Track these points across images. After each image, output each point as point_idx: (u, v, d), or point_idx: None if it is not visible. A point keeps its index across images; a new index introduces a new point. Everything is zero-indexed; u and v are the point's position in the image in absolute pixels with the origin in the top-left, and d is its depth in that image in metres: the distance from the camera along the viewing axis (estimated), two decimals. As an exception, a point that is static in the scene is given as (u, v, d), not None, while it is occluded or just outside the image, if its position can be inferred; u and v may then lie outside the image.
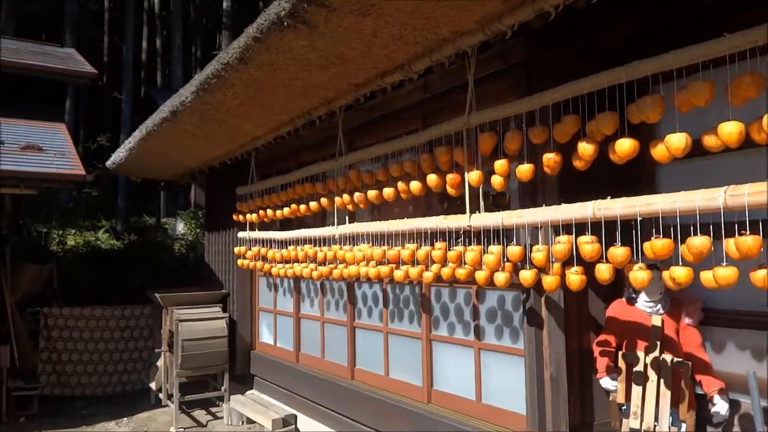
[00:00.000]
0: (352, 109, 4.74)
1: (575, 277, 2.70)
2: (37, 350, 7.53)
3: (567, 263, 2.83)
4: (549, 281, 2.82)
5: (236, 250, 6.49)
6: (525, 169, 2.97)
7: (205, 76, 4.09)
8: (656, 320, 3.20)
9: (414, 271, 3.71)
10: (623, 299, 3.39)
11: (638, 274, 2.49)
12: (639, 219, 2.44)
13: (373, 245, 4.27)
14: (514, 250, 3.00)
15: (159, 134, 5.69)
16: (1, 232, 6.95)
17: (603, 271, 2.52)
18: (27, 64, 7.52)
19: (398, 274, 3.85)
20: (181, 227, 14.57)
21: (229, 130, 5.36)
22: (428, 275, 3.62)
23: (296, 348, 6.11)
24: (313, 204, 4.99)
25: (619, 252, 2.47)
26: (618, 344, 3.40)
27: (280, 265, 5.59)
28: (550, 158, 2.83)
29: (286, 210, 5.46)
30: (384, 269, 4.00)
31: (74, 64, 8.51)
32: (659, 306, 3.27)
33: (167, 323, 6.94)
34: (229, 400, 6.68)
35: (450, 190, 3.49)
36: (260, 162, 6.43)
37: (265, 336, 6.85)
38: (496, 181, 3.17)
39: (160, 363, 7.19)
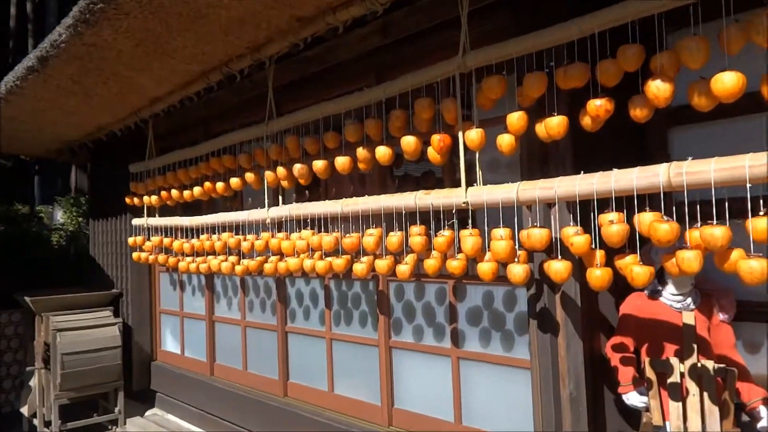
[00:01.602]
0: (284, 61, 3.76)
1: (640, 271, 1.94)
2: None
3: (617, 251, 2.08)
4: (598, 276, 2.05)
5: (131, 240, 5.27)
6: (556, 124, 2.17)
7: (88, 2, 2.95)
8: (688, 317, 2.56)
9: (382, 264, 2.83)
10: (642, 293, 2.71)
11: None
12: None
13: (318, 232, 3.35)
14: (539, 234, 2.20)
15: (24, 93, 4.37)
16: None
17: (690, 261, 1.78)
18: None
19: (359, 268, 2.96)
20: (59, 215, 12.72)
21: (120, 86, 4.17)
22: (403, 269, 2.76)
23: (210, 358, 5.04)
24: (234, 181, 3.96)
25: (718, 233, 1.73)
26: (636, 348, 2.73)
27: (189, 259, 4.50)
28: (599, 106, 2.05)
29: (196, 190, 4.38)
30: (338, 262, 3.08)
31: None
32: (689, 300, 2.62)
33: (41, 333, 5.60)
34: (125, 424, 5.48)
35: (434, 157, 2.64)
36: (159, 133, 5.24)
37: (170, 344, 5.69)
38: (505, 142, 2.36)
39: (33, 383, 5.83)
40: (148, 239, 5.12)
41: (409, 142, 2.69)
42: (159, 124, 5.16)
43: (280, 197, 3.72)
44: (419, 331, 3.36)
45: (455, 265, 2.49)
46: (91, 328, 5.36)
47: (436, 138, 2.56)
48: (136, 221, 5.37)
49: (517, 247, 2.33)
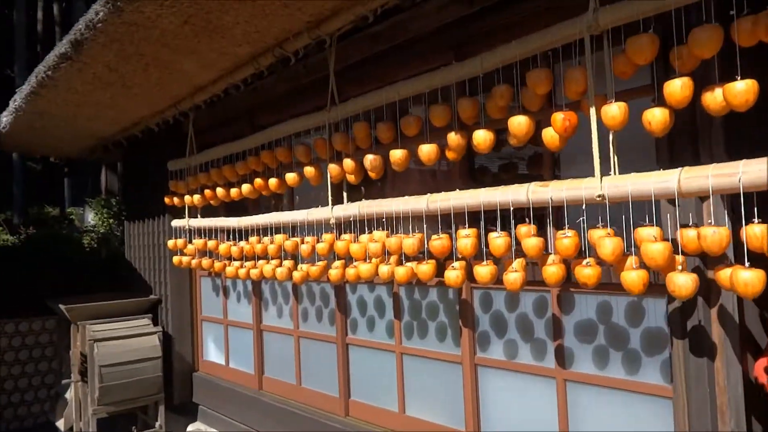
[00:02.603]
0: (345, 40, 3.31)
1: None
2: None
3: None
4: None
5: (170, 243, 4.89)
6: (743, 90, 1.67)
7: (129, -31, 2.53)
8: None
9: (484, 272, 2.36)
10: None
11: None
12: None
13: (392, 233, 2.89)
14: (717, 235, 1.71)
15: (57, 84, 3.99)
16: None
17: None
18: None
19: (452, 276, 2.49)
20: (90, 217, 12.49)
21: (161, 73, 3.77)
22: (513, 277, 2.28)
23: (258, 370, 4.62)
24: (290, 176, 3.52)
25: None
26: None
27: (237, 263, 4.08)
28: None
29: (245, 187, 3.95)
30: (424, 268, 2.62)
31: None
32: None
33: (77, 343, 5.25)
34: (167, 440, 5.12)
35: (551, 141, 2.16)
36: (199, 127, 4.84)
37: (213, 354, 5.30)
38: (657, 119, 1.87)
39: (69, 395, 5.49)
40: (190, 242, 4.72)
41: (520, 123, 2.21)
42: (199, 117, 4.76)
43: (345, 194, 3.27)
44: (512, 347, 2.89)
45: (588, 273, 2.01)
46: (130, 338, 5.00)
47: (558, 117, 2.08)
48: (176, 222, 4.98)
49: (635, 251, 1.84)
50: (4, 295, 8.05)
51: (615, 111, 1.92)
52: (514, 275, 2.26)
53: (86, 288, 8.02)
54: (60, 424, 5.68)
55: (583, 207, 2.08)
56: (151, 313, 5.51)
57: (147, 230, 5.99)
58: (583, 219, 2.09)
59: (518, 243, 2.37)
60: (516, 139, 2.27)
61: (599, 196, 1.98)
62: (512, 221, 2.34)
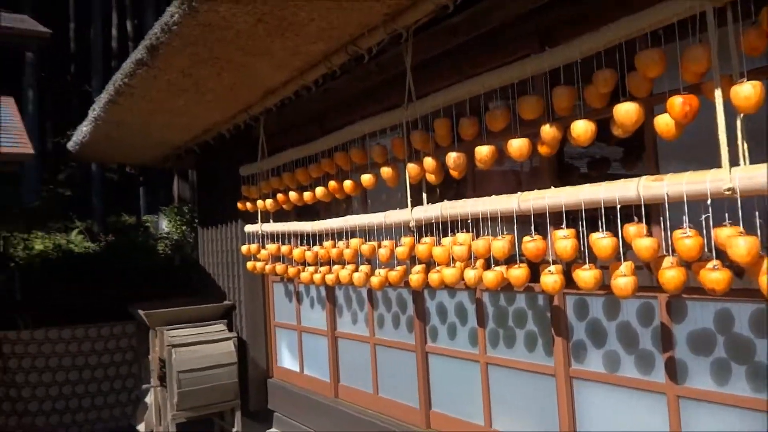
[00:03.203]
0: (421, 34, 3.15)
1: None
2: (-11, 387, 5.90)
3: None
4: None
5: (244, 249, 4.87)
6: None
7: (204, -32, 2.47)
8: None
9: (587, 276, 2.13)
10: None
11: None
12: None
13: (478, 235, 2.71)
14: None
15: (133, 92, 4.03)
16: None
17: None
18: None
19: (550, 281, 2.27)
20: (164, 224, 12.88)
21: (234, 77, 3.73)
22: (623, 282, 2.05)
23: (334, 378, 4.52)
24: (366, 178, 3.39)
25: None
26: None
27: (311, 268, 3.99)
28: None
29: (319, 190, 3.86)
30: (516, 273, 2.42)
31: (23, 25, 6.80)
32: None
33: (156, 348, 5.32)
34: (243, 446, 5.11)
35: (666, 129, 1.92)
36: (270, 132, 4.81)
37: (287, 360, 5.25)
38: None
39: (149, 399, 5.58)
40: (263, 247, 4.69)
41: (628, 110, 1.99)
42: (270, 121, 4.73)
43: (424, 195, 3.11)
44: (613, 358, 2.64)
45: (716, 278, 1.76)
46: (206, 344, 5.03)
47: (677, 101, 1.84)
48: (248, 228, 4.96)
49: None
50: (86, 300, 8.38)
51: (749, 91, 1.67)
52: (624, 280, 2.03)
53: (161, 293, 8.23)
54: (141, 427, 5.78)
55: (708, 203, 1.83)
56: (226, 318, 5.53)
57: (220, 236, 6.03)
58: (707, 216, 1.84)
59: (624, 244, 2.14)
60: (622, 128, 2.04)
61: (728, 189, 1.74)
62: (617, 220, 2.10)
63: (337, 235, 3.87)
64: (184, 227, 11.83)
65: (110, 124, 4.78)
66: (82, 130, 5.25)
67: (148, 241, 12.25)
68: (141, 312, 5.28)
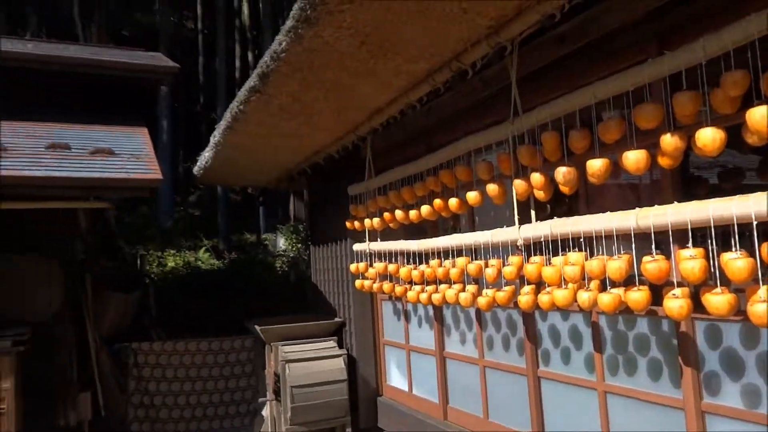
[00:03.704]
0: (525, 46, 3.04)
1: None
2: (126, 393, 6.40)
3: None
4: None
5: (352, 267, 4.94)
6: None
7: (308, -5, 2.54)
8: None
9: (720, 302, 1.91)
10: None
11: None
12: None
13: (591, 254, 2.53)
14: None
15: (248, 118, 4.25)
16: (79, 256, 5.85)
17: None
18: (100, 61, 6.47)
19: (675, 306, 2.06)
20: (281, 243, 13.47)
21: (340, 100, 3.82)
22: (762, 309, 1.81)
23: (443, 399, 4.43)
24: (471, 195, 3.31)
25: None
26: None
27: (418, 288, 3.96)
28: None
29: (424, 209, 3.83)
30: (635, 296, 2.23)
31: (156, 61, 7.43)
32: None
33: (271, 363, 5.52)
34: (353, 464, 5.14)
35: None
36: (376, 151, 4.87)
37: (396, 379, 5.23)
38: None
39: (265, 412, 5.79)
40: (371, 265, 4.72)
41: (764, 115, 1.77)
42: (376, 140, 4.79)
43: (532, 212, 2.98)
44: (753, 393, 2.34)
45: None
46: (318, 360, 5.13)
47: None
48: (357, 246, 5.03)
49: None
50: (211, 314, 8.92)
51: None
52: (762, 307, 1.79)
53: (277, 309, 8.57)
54: (258, 439, 6.02)
55: None
56: (336, 335, 5.62)
57: (330, 254, 6.18)
58: None
59: (763, 265, 1.89)
60: (757, 135, 1.82)
61: None
62: (754, 238, 1.87)
63: (444, 253, 3.81)
64: (299, 245, 12.31)
65: (229, 148, 5.08)
66: (205, 156, 5.62)
67: (266, 259, 12.85)
68: (257, 327, 5.51)
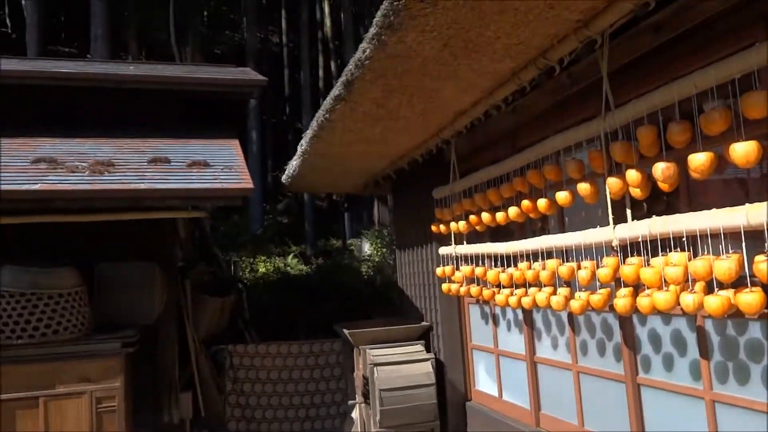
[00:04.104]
0: (616, 39, 2.92)
1: None
2: (223, 393, 6.68)
3: None
4: None
5: (438, 271, 4.93)
6: None
7: (391, 0, 2.57)
8: None
9: None
10: None
11: None
12: None
13: (695, 254, 2.38)
14: None
15: (333, 126, 4.35)
16: (178, 263, 6.19)
17: None
18: (194, 78, 6.83)
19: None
20: (367, 247, 13.66)
21: (424, 104, 3.83)
22: None
23: (534, 406, 4.31)
24: (561, 195, 3.21)
25: None
26: None
27: (507, 291, 3.88)
28: None
29: (512, 211, 3.76)
30: (747, 298, 2.08)
31: (245, 75, 7.76)
32: None
33: (360, 366, 5.60)
34: (444, 469, 5.11)
35: None
36: (460, 153, 4.84)
37: (484, 383, 5.16)
38: None
39: (355, 415, 5.87)
40: (457, 269, 4.69)
41: None
42: (460, 143, 4.77)
43: (628, 211, 2.84)
44: None
45: None
46: (406, 363, 5.16)
47: None
48: (443, 250, 5.01)
49: None
50: (300, 318, 9.18)
51: None
52: None
53: (363, 313, 8.69)
54: (348, 441, 6.11)
55: None
56: (423, 339, 5.62)
57: (416, 258, 6.19)
58: None
59: None
60: None
61: None
62: None
63: (533, 255, 3.71)
64: (384, 249, 12.44)
65: (315, 156, 5.21)
66: (293, 164, 5.80)
67: (353, 264, 13.06)
68: (345, 331, 5.60)
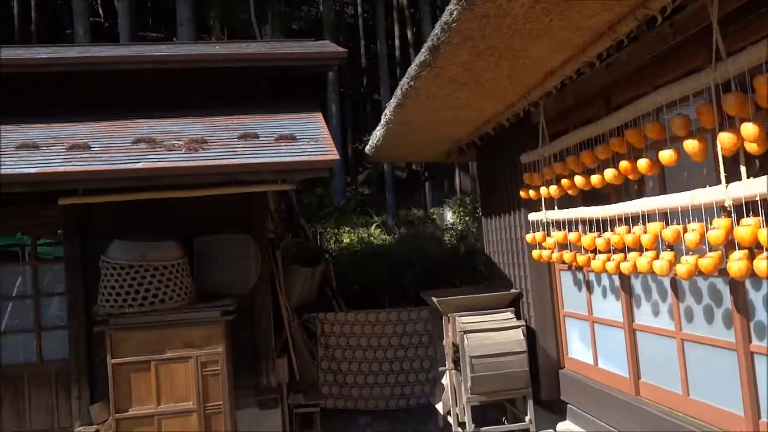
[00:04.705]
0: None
1: None
2: (315, 360, 6.93)
3: None
4: None
5: (528, 238, 4.82)
6: None
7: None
8: None
9: None
10: None
11: None
12: None
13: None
14: None
15: (418, 93, 4.31)
16: (269, 234, 6.40)
17: None
18: (276, 54, 6.95)
19: None
20: (449, 216, 13.58)
21: (512, 65, 3.70)
22: None
23: (633, 374, 4.17)
24: (665, 154, 3.02)
25: None
26: None
27: (603, 257, 3.74)
28: None
29: (608, 173, 3.59)
30: None
31: (325, 48, 7.81)
32: None
33: (449, 334, 5.62)
34: (537, 436, 5.07)
35: None
36: (549, 116, 4.66)
37: (578, 351, 5.04)
38: None
39: (445, 381, 5.92)
40: (548, 235, 4.57)
41: None
42: (549, 105, 4.59)
43: (743, 168, 2.64)
44: None
45: None
46: (496, 331, 5.11)
47: None
48: (532, 216, 4.89)
49: None
50: (382, 287, 9.29)
51: None
52: None
53: (447, 281, 8.68)
54: (439, 407, 6.17)
55: None
56: (513, 306, 5.54)
57: (503, 225, 6.08)
58: None
59: None
60: None
61: None
62: None
63: (631, 220, 3.55)
64: (467, 218, 12.32)
65: (399, 125, 5.20)
66: (376, 134, 5.81)
67: (435, 233, 13.04)
68: (434, 299, 5.62)
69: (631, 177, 3.46)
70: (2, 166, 4.57)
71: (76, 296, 5.43)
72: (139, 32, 18.16)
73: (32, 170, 4.57)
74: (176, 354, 4.88)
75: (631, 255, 3.43)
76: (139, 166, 4.67)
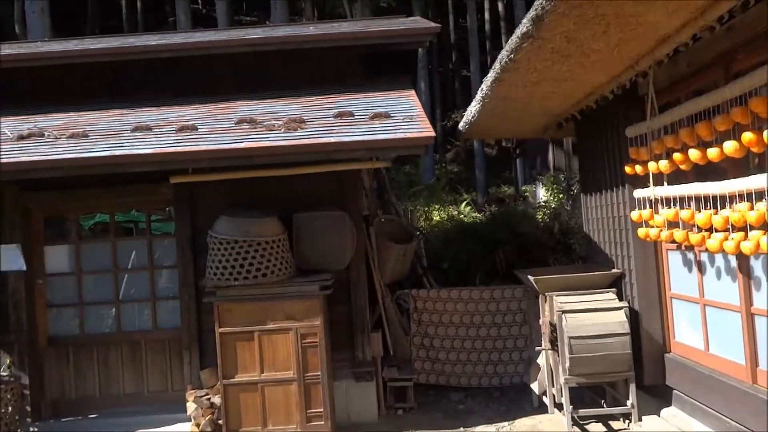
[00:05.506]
0: None
1: None
2: (408, 336, 7.01)
3: None
4: None
5: (634, 215, 4.59)
6: None
7: None
8: None
9: None
10: None
11: None
12: None
13: None
14: None
15: (517, 67, 4.18)
16: (364, 211, 6.51)
17: None
18: (369, 32, 6.97)
19: None
20: (542, 193, 13.21)
21: (621, 33, 3.50)
22: None
23: (751, 362, 3.91)
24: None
25: None
26: None
27: (719, 236, 3.50)
28: None
29: (728, 145, 3.34)
30: None
31: (418, 24, 7.75)
32: None
33: (546, 313, 5.50)
34: (640, 420, 4.88)
35: None
36: (658, 86, 4.38)
37: (686, 335, 4.78)
38: None
39: (541, 361, 5.82)
40: (656, 212, 4.33)
41: None
42: (658, 74, 4.32)
43: None
44: None
45: None
46: (596, 311, 4.95)
47: None
48: (639, 193, 4.65)
49: None
50: (474, 265, 9.21)
51: None
52: None
53: (540, 261, 8.47)
54: (534, 386, 6.08)
55: None
56: (614, 287, 5.33)
57: (604, 202, 5.84)
58: None
59: None
60: None
61: None
62: None
63: (755, 195, 3.29)
64: (561, 195, 11.92)
65: (496, 100, 5.08)
66: (471, 110, 5.72)
67: (527, 210, 12.74)
68: (531, 278, 5.51)
69: (755, 150, 3.20)
70: (122, 147, 4.92)
71: (186, 269, 5.78)
72: (234, 17, 18.82)
73: (148, 150, 4.88)
74: (278, 325, 5.10)
75: (754, 234, 3.19)
76: (243, 145, 4.88)
